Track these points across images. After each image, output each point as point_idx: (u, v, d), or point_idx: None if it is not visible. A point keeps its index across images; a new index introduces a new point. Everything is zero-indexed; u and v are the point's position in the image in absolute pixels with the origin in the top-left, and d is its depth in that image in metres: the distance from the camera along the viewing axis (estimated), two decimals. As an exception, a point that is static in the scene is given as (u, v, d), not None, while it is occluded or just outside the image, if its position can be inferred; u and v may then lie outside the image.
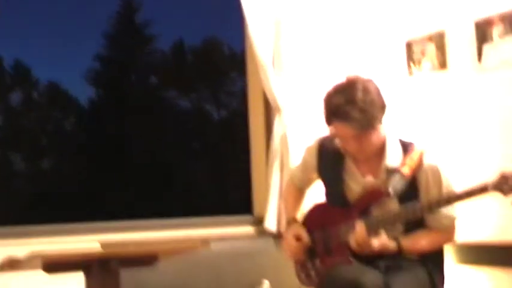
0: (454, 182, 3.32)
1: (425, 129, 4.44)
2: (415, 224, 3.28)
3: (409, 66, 4.64)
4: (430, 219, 3.29)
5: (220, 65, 7.07)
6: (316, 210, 3.58)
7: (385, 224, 3.18)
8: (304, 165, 3.64)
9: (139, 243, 3.92)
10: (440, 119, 4.44)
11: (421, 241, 3.29)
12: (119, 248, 3.07)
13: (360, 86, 3.14)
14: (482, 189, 3.03)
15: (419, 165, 3.25)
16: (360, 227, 3.16)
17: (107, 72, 7.32)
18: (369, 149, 3.26)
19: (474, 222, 4.04)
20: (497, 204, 3.88)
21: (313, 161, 3.54)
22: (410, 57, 4.63)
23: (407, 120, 4.50)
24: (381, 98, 3.20)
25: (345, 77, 3.27)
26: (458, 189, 3.23)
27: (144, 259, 2.82)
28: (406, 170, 3.23)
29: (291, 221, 3.62)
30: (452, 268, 3.98)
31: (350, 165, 3.37)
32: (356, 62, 4.77)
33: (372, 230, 3.16)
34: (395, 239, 3.23)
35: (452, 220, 3.32)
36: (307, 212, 3.63)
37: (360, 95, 3.10)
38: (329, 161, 3.44)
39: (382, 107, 3.20)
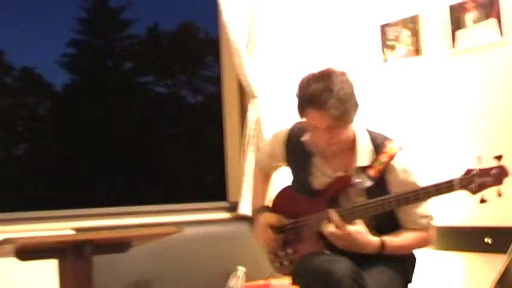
0: (424, 172, 3.31)
1: (399, 115, 4.47)
2: (387, 223, 3.23)
3: (383, 52, 4.65)
4: (406, 221, 3.24)
5: (196, 50, 7.05)
6: (285, 196, 3.53)
7: (355, 215, 3.12)
8: (272, 153, 3.58)
9: (113, 229, 3.92)
10: (415, 105, 4.46)
11: (403, 238, 3.22)
12: (92, 234, 3.06)
13: (337, 77, 3.07)
14: (449, 188, 2.97)
15: (389, 165, 3.19)
16: (332, 213, 3.13)
17: (81, 58, 7.26)
18: (338, 145, 3.19)
19: (445, 207, 4.07)
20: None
21: (280, 150, 3.49)
22: (384, 43, 4.65)
23: (381, 106, 4.52)
24: (355, 95, 3.12)
25: (319, 69, 3.16)
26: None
27: (117, 245, 2.81)
28: (373, 173, 3.18)
29: (261, 208, 3.58)
30: (426, 254, 4.02)
31: (318, 160, 3.32)
32: (330, 47, 4.78)
33: (343, 219, 3.12)
34: (378, 234, 3.19)
35: (429, 219, 3.27)
36: (276, 197, 3.59)
37: (338, 84, 3.04)
38: (297, 153, 3.39)
39: (356, 105, 3.13)
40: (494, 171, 2.91)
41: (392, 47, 4.59)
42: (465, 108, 4.19)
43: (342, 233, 3.07)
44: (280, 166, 3.65)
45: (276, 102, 4.59)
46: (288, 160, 3.49)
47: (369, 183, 3.17)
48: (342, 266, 2.91)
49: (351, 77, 3.15)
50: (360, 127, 3.27)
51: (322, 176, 3.31)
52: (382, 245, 3.12)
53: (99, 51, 7.60)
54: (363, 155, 3.22)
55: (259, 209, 3.59)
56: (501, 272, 3.42)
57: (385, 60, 4.63)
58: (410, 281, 3.35)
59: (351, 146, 3.23)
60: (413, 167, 3.23)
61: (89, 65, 7.54)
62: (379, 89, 4.60)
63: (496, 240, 3.92)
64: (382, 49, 4.65)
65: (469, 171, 2.95)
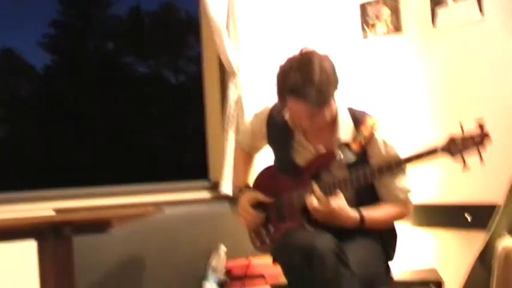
0: (405, 148, 3.33)
1: (379, 92, 4.47)
2: (368, 199, 3.27)
3: (363, 29, 4.65)
4: (384, 193, 3.28)
5: (178, 30, 7.01)
6: (266, 175, 3.54)
7: (337, 188, 3.15)
8: (253, 132, 3.59)
9: (93, 210, 3.91)
10: (395, 82, 4.47)
11: (381, 212, 3.26)
12: (71, 215, 3.04)
13: (317, 65, 3.04)
14: (432, 152, 3.02)
15: (370, 139, 3.23)
16: (315, 188, 3.15)
17: (62, 38, 7.21)
18: (320, 125, 3.21)
19: (425, 184, 4.10)
20: (441, 167, 3.96)
21: (262, 129, 3.50)
22: (364, 20, 4.64)
23: (361, 83, 4.52)
24: (335, 74, 3.13)
25: (300, 50, 3.15)
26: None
27: (97, 225, 2.80)
28: (356, 147, 3.22)
29: (243, 188, 3.58)
30: (407, 231, 4.04)
31: (300, 138, 3.33)
32: (310, 25, 4.76)
33: (326, 193, 3.14)
34: (357, 209, 3.23)
35: (406, 193, 3.30)
36: (257, 177, 3.59)
37: (317, 75, 3.02)
38: (278, 131, 3.40)
39: (336, 83, 3.13)
40: (476, 137, 2.95)
41: (373, 25, 4.59)
42: (445, 84, 4.20)
43: (324, 207, 3.09)
44: (261, 146, 3.66)
45: (257, 81, 4.58)
46: (269, 138, 3.50)
47: (352, 158, 3.19)
48: (325, 242, 2.91)
49: (330, 58, 3.14)
50: (340, 104, 3.28)
51: (304, 152, 3.32)
52: (361, 219, 3.15)
53: (80, 31, 7.56)
54: (344, 130, 3.24)
55: (240, 188, 3.60)
56: (481, 249, 3.45)
57: (366, 37, 4.62)
58: (391, 259, 3.38)
59: (332, 123, 3.25)
60: (394, 139, 3.27)
61: (70, 46, 7.50)
62: (360, 66, 4.60)
63: (476, 216, 3.94)
64: (363, 27, 4.64)
65: (451, 138, 3.00)
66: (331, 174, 3.22)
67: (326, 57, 3.13)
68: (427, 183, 4.13)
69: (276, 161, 3.51)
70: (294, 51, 3.17)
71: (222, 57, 4.45)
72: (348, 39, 4.72)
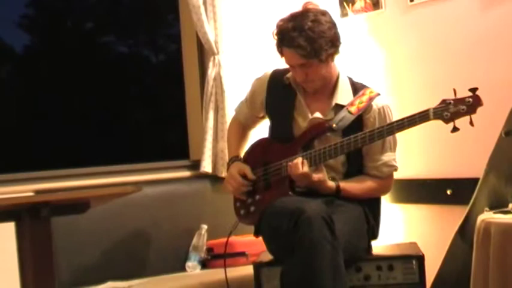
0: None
1: (360, 70, 4.46)
2: (358, 169, 3.37)
3: (343, 6, 4.62)
4: (371, 167, 3.36)
5: (157, 8, 6.97)
6: (259, 146, 3.59)
7: (326, 156, 3.21)
8: (252, 98, 3.64)
9: (71, 190, 3.89)
10: (375, 60, 4.46)
11: (359, 184, 3.35)
12: (48, 196, 3.02)
13: (311, 16, 3.21)
14: (423, 115, 3.06)
15: (368, 106, 3.30)
16: (297, 159, 3.19)
17: (41, 19, 7.14)
18: (316, 81, 3.32)
19: (407, 159, 4.10)
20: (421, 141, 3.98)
21: (262, 92, 3.56)
22: (343, -3, 4.63)
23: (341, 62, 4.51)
24: (332, 32, 3.25)
25: (302, 6, 3.33)
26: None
27: (75, 205, 2.78)
28: (353, 109, 3.28)
29: (234, 158, 3.63)
30: (388, 206, 4.05)
31: (300, 101, 3.40)
32: (287, 1, 4.73)
33: (313, 163, 3.21)
34: (333, 179, 3.28)
35: (391, 169, 3.39)
36: (250, 148, 3.64)
37: (309, 23, 3.18)
38: (279, 94, 3.48)
39: (333, 42, 3.25)
40: (468, 100, 3.01)
41: (352, 2, 4.56)
42: (424, 59, 4.20)
43: (302, 178, 3.19)
44: (259, 118, 3.70)
45: (237, 58, 4.56)
46: (268, 105, 3.55)
47: (346, 121, 3.26)
48: (314, 206, 2.96)
49: (330, 17, 3.30)
50: (342, 71, 3.42)
51: (301, 119, 3.39)
52: (337, 189, 3.27)
53: (59, 11, 7.49)
54: (342, 94, 3.35)
55: (231, 158, 3.65)
56: (461, 223, 3.47)
57: (345, 15, 4.60)
58: (376, 238, 3.43)
59: (332, 89, 3.38)
60: (392, 111, 3.38)
61: (49, 26, 7.43)
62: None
63: (457, 191, 3.95)
64: (342, 3, 4.62)
65: (444, 101, 3.05)
66: (323, 142, 3.28)
67: (325, 13, 3.30)
68: (408, 158, 4.13)
69: (271, 129, 3.57)
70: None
71: (199, 35, 4.42)
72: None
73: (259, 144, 3.60)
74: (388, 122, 3.29)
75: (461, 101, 3.00)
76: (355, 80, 3.47)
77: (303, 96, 3.41)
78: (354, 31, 4.53)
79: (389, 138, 3.33)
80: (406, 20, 4.27)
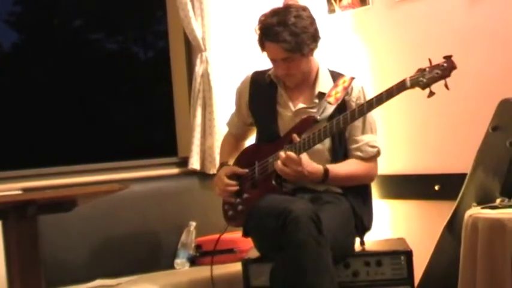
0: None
1: (346, 66, 4.46)
2: (343, 158, 3.41)
3: (329, 3, 4.62)
4: (354, 149, 3.43)
5: (146, 5, 6.97)
6: (247, 151, 3.65)
7: (311, 142, 3.25)
8: (238, 104, 3.71)
9: (58, 189, 3.87)
10: (361, 56, 4.46)
11: (345, 166, 3.40)
12: (35, 194, 3.02)
13: (293, 12, 3.30)
14: (401, 85, 3.13)
15: (346, 93, 3.39)
16: (282, 152, 3.23)
17: (29, 16, 7.12)
18: (297, 76, 3.41)
19: (394, 155, 4.11)
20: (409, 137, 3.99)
21: (245, 94, 3.63)
22: (330, -8, 4.62)
23: (329, 58, 4.51)
24: (313, 27, 3.36)
25: (283, 3, 3.49)
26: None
27: (62, 204, 2.77)
28: (332, 100, 3.36)
29: (223, 163, 3.67)
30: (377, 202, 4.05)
31: (281, 94, 3.49)
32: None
33: (299, 151, 3.24)
34: (322, 164, 3.32)
35: (374, 150, 3.45)
36: (239, 154, 3.68)
37: (292, 19, 3.27)
38: (261, 92, 3.56)
39: (314, 37, 3.35)
40: (443, 65, 3.09)
41: (339, -3, 4.57)
42: (411, 54, 4.20)
43: (290, 165, 3.20)
44: (248, 128, 3.75)
45: (225, 55, 4.55)
46: (251, 104, 3.62)
47: (329, 109, 3.34)
48: (301, 206, 2.99)
49: (310, 12, 3.40)
50: (321, 64, 3.52)
51: (285, 112, 3.47)
52: (325, 171, 3.29)
53: (46, 8, 7.47)
54: (324, 83, 3.45)
55: (221, 164, 3.71)
56: (449, 218, 3.48)
57: (333, 11, 4.60)
58: (369, 229, 3.49)
59: (312, 81, 3.48)
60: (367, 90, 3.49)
61: (37, 23, 7.41)
62: (327, 40, 4.58)
63: (445, 186, 3.96)
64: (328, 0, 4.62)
65: (419, 69, 3.13)
66: (309, 132, 3.32)
67: (306, 8, 3.40)
68: (396, 154, 4.14)
69: (258, 132, 3.63)
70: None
71: (187, 31, 4.42)
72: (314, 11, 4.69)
73: (248, 149, 3.69)
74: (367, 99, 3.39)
75: (436, 66, 3.09)
76: (332, 69, 3.58)
77: (284, 89, 3.51)
78: (342, 27, 4.53)
79: (369, 120, 3.44)
80: (393, 16, 4.27)
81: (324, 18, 4.62)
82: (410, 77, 3.10)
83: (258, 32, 3.40)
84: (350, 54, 4.48)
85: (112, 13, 7.57)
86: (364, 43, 4.45)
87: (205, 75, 4.40)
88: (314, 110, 3.39)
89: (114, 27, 7.53)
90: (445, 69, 3.07)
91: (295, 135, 3.28)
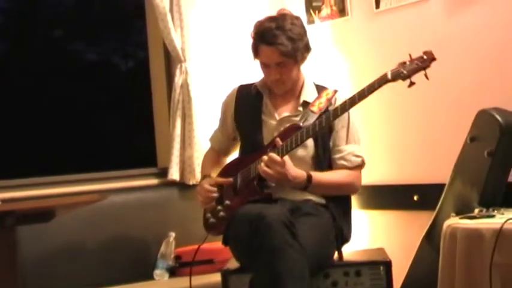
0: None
1: (326, 77, 4.47)
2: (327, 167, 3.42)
3: (309, 13, 4.64)
4: (337, 158, 3.44)
5: (126, 15, 6.94)
6: (230, 165, 3.66)
7: (293, 143, 3.25)
8: (223, 117, 3.72)
9: (37, 199, 3.85)
10: (341, 67, 4.48)
11: (329, 175, 3.41)
12: (13, 205, 3.00)
13: (289, 19, 3.40)
14: (382, 79, 3.14)
15: (330, 103, 3.41)
16: (264, 156, 3.24)
17: (10, 26, 7.10)
18: (287, 83, 3.47)
19: (373, 166, 4.12)
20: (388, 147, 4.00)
21: (231, 106, 3.64)
22: (310, 4, 4.63)
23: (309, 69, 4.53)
24: (307, 37, 3.46)
25: (277, 12, 3.49)
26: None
27: (41, 214, 2.76)
28: (315, 109, 3.38)
29: (205, 176, 3.66)
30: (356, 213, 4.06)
31: (266, 103, 3.53)
32: (254, 10, 4.75)
33: (282, 153, 3.25)
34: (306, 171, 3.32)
35: (358, 159, 3.46)
36: (221, 169, 3.67)
37: (289, 25, 3.36)
38: (247, 103, 3.59)
39: (307, 46, 3.45)
40: (422, 56, 3.13)
41: (319, 8, 4.58)
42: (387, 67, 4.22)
43: (275, 170, 3.21)
44: (232, 143, 3.75)
45: (205, 66, 4.56)
46: (236, 115, 3.62)
47: (312, 118, 3.34)
48: (274, 211, 2.98)
49: (303, 23, 3.50)
50: (307, 76, 3.59)
51: (270, 121, 3.49)
52: (308, 177, 3.29)
53: (27, 18, 7.45)
54: (308, 93, 3.51)
55: (203, 176, 3.70)
56: (428, 228, 3.49)
57: (312, 22, 4.62)
58: (347, 240, 3.47)
59: (297, 92, 3.53)
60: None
61: (18, 33, 7.38)
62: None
63: (424, 196, 3.97)
64: (309, 10, 4.63)
65: (400, 63, 3.16)
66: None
67: (299, 18, 3.50)
68: (375, 164, 4.15)
69: (242, 145, 3.64)
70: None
71: (166, 42, 4.42)
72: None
73: (231, 163, 3.69)
74: (351, 116, 3.47)
75: (416, 59, 3.13)
76: (317, 83, 3.62)
77: (270, 99, 3.55)
78: (321, 38, 4.54)
79: (353, 130, 3.48)
80: (371, 27, 4.30)
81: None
82: (392, 70, 3.13)
83: (254, 36, 3.45)
84: (329, 65, 4.49)
85: (92, 23, 7.54)
86: (343, 54, 4.47)
87: (185, 86, 4.41)
88: (297, 118, 3.41)
89: (94, 38, 7.50)
90: (425, 60, 3.11)
91: (278, 140, 3.28)
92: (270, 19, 3.42)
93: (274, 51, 3.35)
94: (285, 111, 3.51)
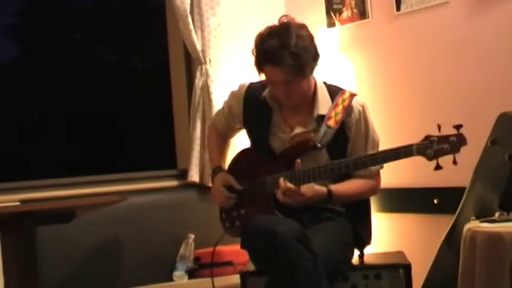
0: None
1: (346, 79, 4.46)
2: (344, 175, 3.31)
3: (329, 16, 4.63)
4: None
5: (145, 17, 6.98)
6: (243, 158, 3.56)
7: (310, 178, 3.16)
8: (229, 111, 3.59)
9: (56, 200, 3.87)
10: (361, 69, 4.47)
11: (349, 185, 3.32)
12: (33, 205, 3.01)
13: (293, 31, 3.13)
14: (407, 153, 3.02)
15: (346, 114, 3.28)
16: (282, 181, 3.15)
17: (28, 29, 7.12)
18: (298, 97, 3.27)
19: (394, 169, 4.10)
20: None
21: (239, 108, 3.51)
22: (330, 7, 4.62)
23: (328, 72, 4.52)
24: (313, 46, 3.21)
25: (278, 20, 3.23)
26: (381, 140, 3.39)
27: (60, 215, 2.77)
28: (332, 123, 3.25)
29: (217, 169, 3.58)
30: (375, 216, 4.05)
31: (277, 117, 3.37)
32: (275, 13, 4.74)
33: (297, 182, 3.15)
34: (325, 185, 3.25)
35: (378, 167, 3.37)
36: (234, 159, 3.61)
37: (293, 40, 3.10)
38: (255, 111, 3.43)
39: (315, 56, 3.21)
40: (452, 138, 2.93)
41: (339, 11, 4.58)
42: (411, 71, 4.21)
43: (293, 197, 3.13)
44: (237, 128, 3.66)
45: (225, 68, 4.56)
46: (245, 120, 3.51)
47: (328, 137, 3.23)
48: (286, 227, 2.92)
49: (309, 30, 3.23)
50: (318, 79, 3.36)
51: (280, 134, 3.35)
52: (329, 193, 3.21)
53: (46, 20, 7.49)
54: (322, 103, 3.30)
55: (214, 169, 3.61)
56: (448, 232, 3.47)
57: (333, 25, 4.61)
58: (368, 243, 3.44)
59: (309, 101, 3.32)
60: (368, 109, 3.36)
61: (37, 36, 7.42)
62: (326, 54, 4.58)
63: (444, 200, 3.95)
64: (329, 13, 4.62)
65: (427, 137, 2.98)
66: (310, 157, 3.25)
67: (304, 26, 3.22)
68: (395, 167, 4.13)
69: (252, 143, 3.54)
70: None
71: (187, 44, 4.43)
72: (313, 27, 4.70)
73: (243, 156, 3.58)
74: (368, 123, 3.35)
75: (445, 139, 2.94)
76: (330, 83, 3.44)
77: (280, 113, 3.38)
78: (341, 41, 4.53)
79: (372, 136, 3.36)
80: (392, 30, 4.28)
81: (324, 31, 4.63)
82: (417, 145, 2.99)
83: (256, 55, 3.23)
84: (350, 68, 4.48)
85: (111, 25, 7.58)
86: (364, 56, 4.45)
87: (205, 88, 4.41)
88: (312, 135, 3.29)
89: (113, 40, 7.54)
90: (455, 144, 2.93)
91: (298, 162, 3.18)
92: (272, 34, 3.16)
93: (279, 71, 3.13)
94: (298, 125, 3.34)
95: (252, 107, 3.44)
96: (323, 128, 3.25)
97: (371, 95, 4.34)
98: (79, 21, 7.38)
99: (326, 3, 4.64)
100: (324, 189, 3.22)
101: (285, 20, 3.23)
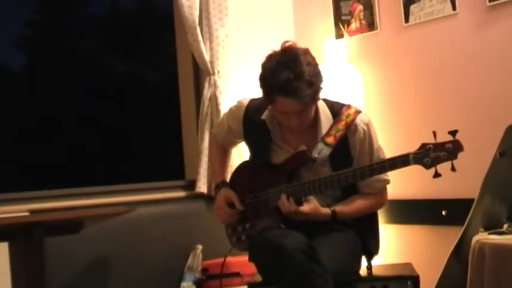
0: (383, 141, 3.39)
1: (354, 91, 4.46)
2: (353, 191, 3.31)
3: (337, 27, 4.64)
4: (363, 185, 3.31)
5: (155, 28, 6.99)
6: (243, 172, 3.55)
7: (311, 191, 3.16)
8: (229, 128, 3.56)
9: (65, 211, 3.87)
10: (370, 81, 4.47)
11: (354, 204, 3.30)
12: (42, 216, 3.02)
13: (302, 59, 3.06)
14: (404, 161, 3.01)
15: (349, 132, 3.24)
16: (283, 198, 3.15)
17: (40, 39, 7.15)
18: (307, 122, 3.22)
19: (401, 180, 4.10)
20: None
21: (238, 127, 3.48)
22: (339, 18, 4.63)
23: (337, 84, 4.52)
24: (319, 69, 3.14)
25: (281, 46, 3.17)
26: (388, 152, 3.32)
27: (69, 226, 2.78)
28: (330, 140, 3.22)
29: (220, 183, 3.57)
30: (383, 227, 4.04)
31: (276, 139, 3.34)
32: (283, 24, 4.76)
33: (299, 198, 3.15)
34: (328, 205, 3.23)
35: (383, 183, 3.35)
36: (235, 173, 3.60)
37: (306, 68, 3.03)
38: (255, 130, 3.39)
39: (322, 79, 3.13)
40: (449, 145, 2.92)
41: (348, 22, 4.58)
42: (419, 83, 4.21)
43: (294, 216, 3.13)
44: (237, 141, 3.69)
45: (233, 79, 4.57)
46: (245, 136, 3.50)
47: (327, 151, 3.20)
48: (293, 241, 2.92)
49: (311, 54, 3.16)
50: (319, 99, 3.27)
51: (281, 151, 3.32)
52: (333, 213, 3.20)
53: (56, 31, 7.51)
54: (325, 125, 3.25)
55: (217, 184, 3.60)
56: (456, 244, 3.47)
57: (341, 36, 4.62)
58: (376, 253, 3.42)
59: (312, 123, 3.26)
60: (373, 127, 3.31)
61: (47, 46, 7.45)
62: (334, 65, 4.59)
63: (452, 212, 3.95)
64: (338, 24, 4.63)
65: (423, 146, 2.97)
66: (312, 170, 3.24)
67: (308, 51, 3.16)
68: (403, 179, 4.13)
69: (252, 157, 3.53)
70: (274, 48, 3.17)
71: (195, 54, 4.44)
72: (321, 37, 4.71)
73: (243, 169, 3.57)
74: (373, 141, 3.30)
75: (441, 146, 2.92)
76: (331, 100, 3.36)
77: (280, 133, 3.34)
78: (350, 52, 4.54)
79: (377, 155, 3.30)
80: (400, 41, 4.29)
81: (332, 43, 4.63)
82: (414, 154, 2.97)
83: (268, 87, 3.11)
84: (358, 80, 4.48)
85: (121, 36, 7.59)
86: (372, 68, 4.45)
87: (213, 99, 4.42)
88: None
89: (123, 50, 7.55)
90: (452, 151, 2.91)
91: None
92: (282, 65, 3.05)
93: (296, 102, 3.05)
94: (300, 143, 3.29)
95: (251, 126, 3.41)
96: (320, 145, 3.22)
97: (379, 106, 4.35)
98: (90, 31, 7.40)
99: (335, 15, 4.64)
100: (328, 210, 3.20)
101: (289, 47, 3.16)
